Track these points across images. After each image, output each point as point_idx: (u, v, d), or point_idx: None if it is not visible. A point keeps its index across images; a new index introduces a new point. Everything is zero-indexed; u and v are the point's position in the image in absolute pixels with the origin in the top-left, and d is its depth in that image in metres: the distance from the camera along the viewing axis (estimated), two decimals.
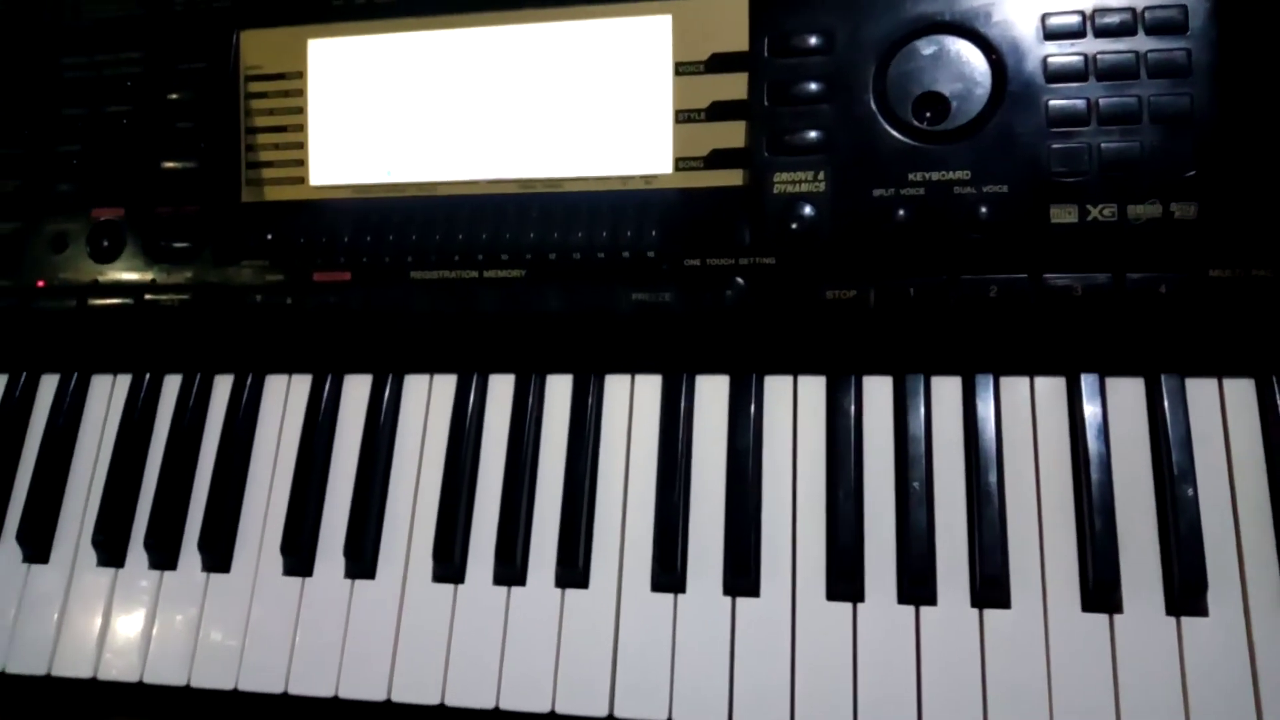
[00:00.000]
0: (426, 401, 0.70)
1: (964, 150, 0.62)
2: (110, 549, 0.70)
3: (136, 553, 0.70)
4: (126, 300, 0.72)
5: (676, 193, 0.66)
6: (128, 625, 0.68)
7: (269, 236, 0.71)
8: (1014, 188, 0.61)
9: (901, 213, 0.62)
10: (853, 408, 0.64)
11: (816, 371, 0.65)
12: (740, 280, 0.64)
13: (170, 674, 0.67)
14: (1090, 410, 0.61)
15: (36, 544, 0.71)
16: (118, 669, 0.67)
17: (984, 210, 0.61)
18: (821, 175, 0.63)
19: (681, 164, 0.66)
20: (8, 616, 0.70)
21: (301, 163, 0.72)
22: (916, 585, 0.60)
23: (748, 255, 0.64)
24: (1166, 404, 0.60)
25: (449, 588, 0.65)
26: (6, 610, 0.70)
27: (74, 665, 0.68)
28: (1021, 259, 0.61)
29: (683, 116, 0.66)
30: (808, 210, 0.63)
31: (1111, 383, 0.62)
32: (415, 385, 0.71)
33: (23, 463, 0.74)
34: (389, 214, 0.70)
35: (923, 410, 0.63)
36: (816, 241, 0.63)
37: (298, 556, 0.67)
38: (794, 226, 0.63)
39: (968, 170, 0.61)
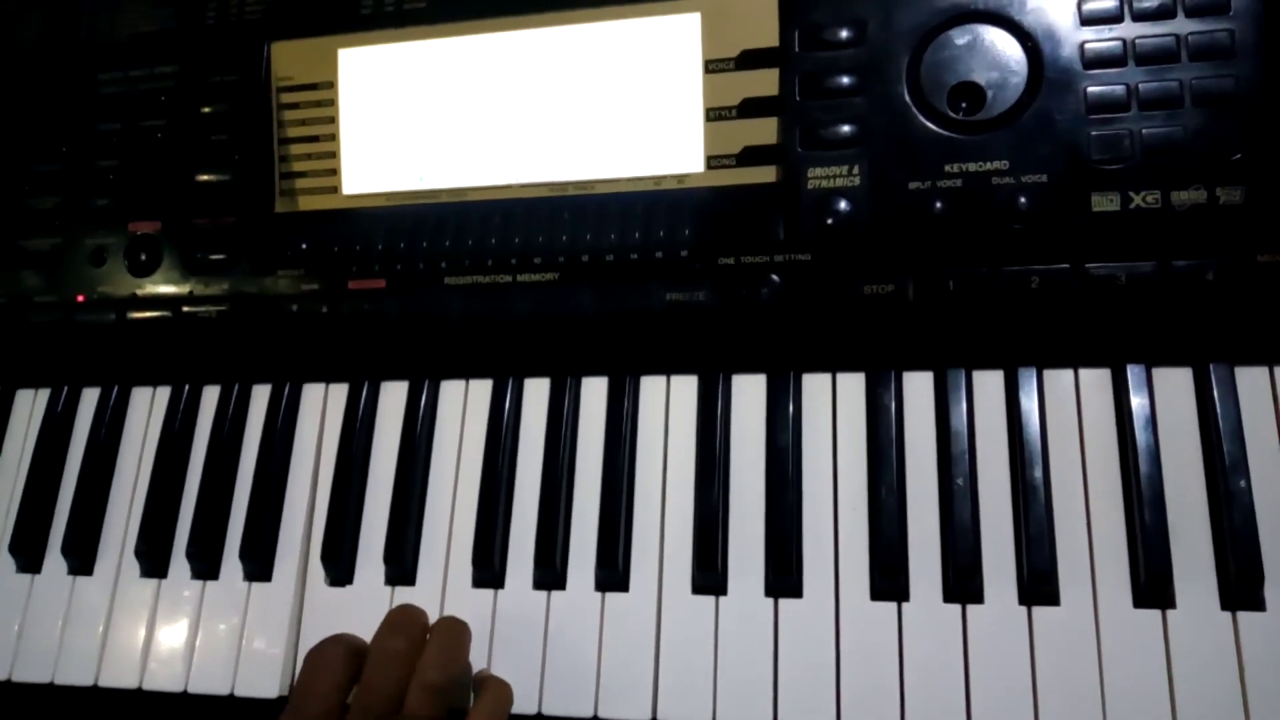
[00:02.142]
0: (463, 406, 0.70)
1: (1001, 140, 0.61)
2: (153, 560, 0.70)
3: (179, 563, 0.70)
4: (165, 313, 0.73)
5: (709, 191, 0.66)
6: (171, 635, 0.69)
7: (304, 246, 0.71)
8: (1054, 177, 0.60)
9: (939, 205, 0.61)
10: (893, 404, 0.63)
11: (855, 368, 0.64)
12: (776, 277, 0.63)
13: (214, 683, 0.67)
14: (1137, 402, 0.60)
15: (82, 556, 0.72)
16: (163, 679, 0.68)
17: (1023, 200, 0.60)
18: (856, 169, 0.62)
19: (714, 162, 0.66)
20: (55, 628, 0.71)
21: (334, 172, 0.72)
22: (963, 582, 0.59)
23: (783, 252, 0.63)
24: (1216, 393, 0.59)
25: (489, 593, 0.65)
26: (54, 622, 0.71)
27: (120, 676, 0.68)
28: (1063, 249, 0.60)
29: (714, 114, 0.66)
30: (843, 205, 0.62)
31: (1159, 373, 0.61)
32: (451, 391, 0.71)
33: (66, 476, 0.75)
34: (422, 220, 0.70)
35: (965, 405, 0.62)
36: (853, 236, 0.62)
37: (338, 564, 0.67)
38: (829, 221, 0.62)
39: (1006, 160, 0.60)
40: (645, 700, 0.61)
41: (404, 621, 0.60)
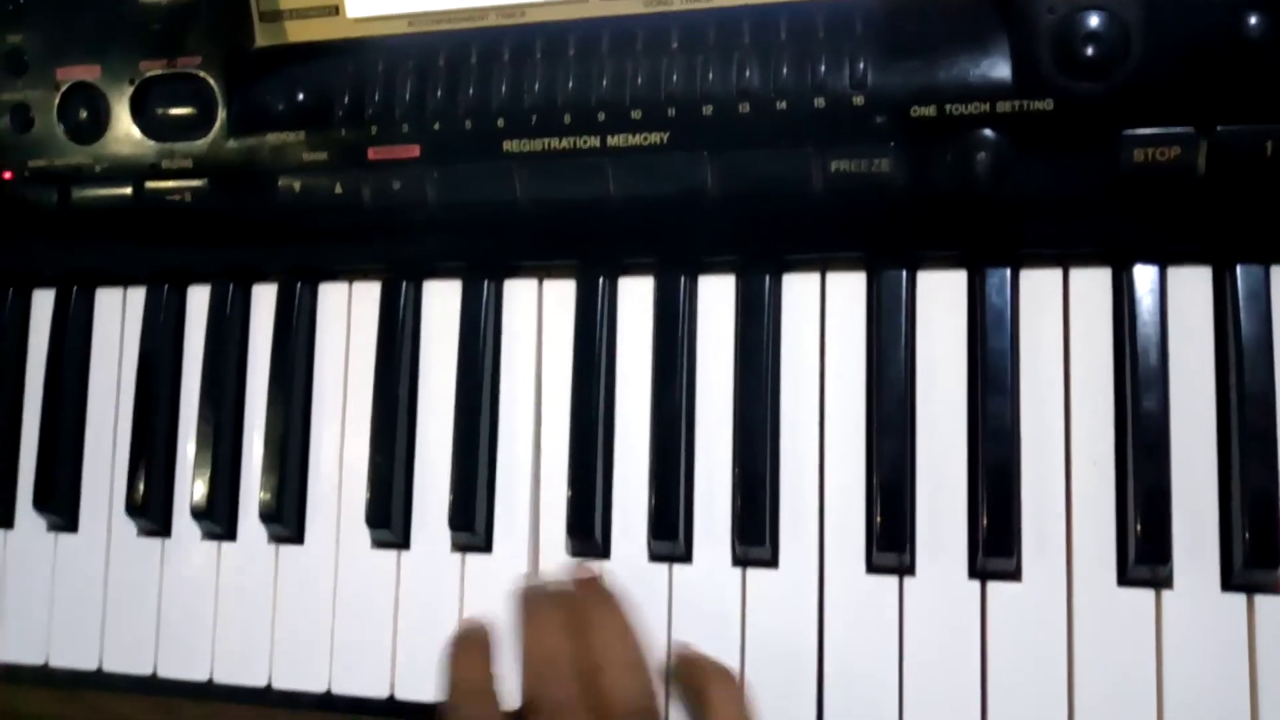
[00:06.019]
0: (537, 315, 0.52)
1: None
2: (150, 517, 0.55)
3: (184, 520, 0.55)
4: (121, 190, 0.54)
5: (887, 1, 0.45)
6: (186, 611, 0.54)
7: (299, 96, 0.51)
8: None
9: (1255, 22, 0.40)
10: (1158, 307, 0.44)
11: (1100, 261, 0.46)
12: (996, 136, 0.43)
13: (244, 673, 0.53)
14: None
15: (60, 509, 0.56)
16: (181, 667, 0.54)
17: None
18: None
19: None
20: (42, 599, 0.56)
21: None
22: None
23: (1009, 98, 0.43)
24: None
25: (593, 564, 0.49)
26: (39, 591, 0.57)
27: (128, 660, 0.55)
28: None
29: None
30: (1104, 24, 0.41)
31: None
32: (520, 294, 0.52)
33: (27, 404, 0.59)
34: (463, 55, 0.49)
35: (1264, 314, 0.44)
36: (1118, 75, 0.42)
37: (388, 528, 0.52)
38: (1087, 52, 0.41)
39: None
40: (809, 707, 0.46)
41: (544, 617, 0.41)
